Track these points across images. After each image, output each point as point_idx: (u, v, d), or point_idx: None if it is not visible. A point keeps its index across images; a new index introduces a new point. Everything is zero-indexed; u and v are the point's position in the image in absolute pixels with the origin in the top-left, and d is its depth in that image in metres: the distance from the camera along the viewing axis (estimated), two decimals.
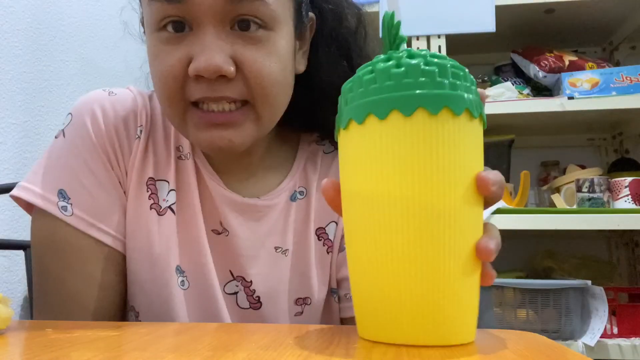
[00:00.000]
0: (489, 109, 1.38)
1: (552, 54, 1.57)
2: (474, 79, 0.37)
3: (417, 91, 0.34)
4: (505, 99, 1.49)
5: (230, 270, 0.62)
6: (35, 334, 0.41)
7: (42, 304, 0.59)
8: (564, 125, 1.65)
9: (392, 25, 0.37)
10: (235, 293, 0.62)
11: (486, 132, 0.38)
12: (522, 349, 0.36)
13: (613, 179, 1.41)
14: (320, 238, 0.65)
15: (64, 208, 0.57)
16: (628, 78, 1.40)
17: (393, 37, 0.37)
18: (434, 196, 0.34)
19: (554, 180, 1.62)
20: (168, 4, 0.52)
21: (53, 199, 0.57)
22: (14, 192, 0.58)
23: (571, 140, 1.79)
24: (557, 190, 1.54)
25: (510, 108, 1.44)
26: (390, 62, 0.36)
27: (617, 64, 1.71)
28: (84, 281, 0.57)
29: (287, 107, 0.60)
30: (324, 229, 0.65)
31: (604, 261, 1.68)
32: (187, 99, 0.54)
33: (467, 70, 0.36)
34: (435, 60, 0.35)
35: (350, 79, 0.38)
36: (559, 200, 1.48)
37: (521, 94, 1.58)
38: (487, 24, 1.47)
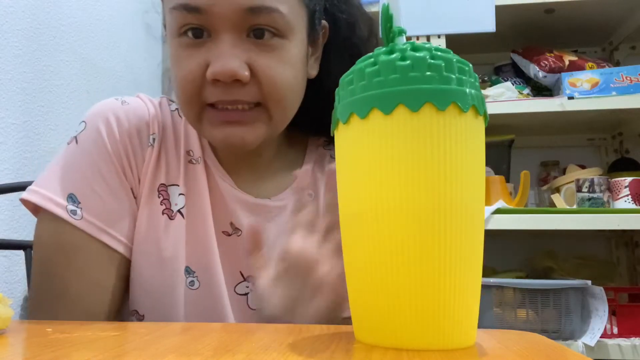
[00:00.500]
0: (489, 109, 1.37)
1: (552, 54, 1.57)
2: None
3: (425, 86, 0.33)
4: (505, 99, 1.49)
5: (240, 271, 0.63)
6: (35, 334, 0.41)
7: (42, 304, 0.59)
8: (564, 125, 1.65)
9: (387, 17, 0.36)
10: (246, 294, 0.63)
11: (486, 132, 0.37)
12: (522, 349, 0.35)
13: (613, 179, 1.41)
14: None
15: (73, 212, 0.58)
16: (628, 78, 1.40)
17: (388, 29, 0.36)
18: (439, 195, 0.33)
19: (554, 180, 1.62)
20: (188, 13, 0.54)
21: (62, 203, 0.58)
22: (24, 195, 0.59)
23: (571, 140, 1.79)
24: (557, 190, 1.54)
25: (510, 108, 1.44)
26: (394, 55, 0.34)
27: (617, 64, 1.71)
28: (88, 284, 0.58)
29: (297, 110, 0.62)
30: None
31: (604, 261, 1.68)
32: (204, 101, 0.57)
33: (471, 65, 0.36)
34: (441, 54, 0.34)
35: (350, 70, 0.36)
36: (559, 200, 1.48)
37: (521, 94, 1.58)
38: (487, 24, 1.47)
